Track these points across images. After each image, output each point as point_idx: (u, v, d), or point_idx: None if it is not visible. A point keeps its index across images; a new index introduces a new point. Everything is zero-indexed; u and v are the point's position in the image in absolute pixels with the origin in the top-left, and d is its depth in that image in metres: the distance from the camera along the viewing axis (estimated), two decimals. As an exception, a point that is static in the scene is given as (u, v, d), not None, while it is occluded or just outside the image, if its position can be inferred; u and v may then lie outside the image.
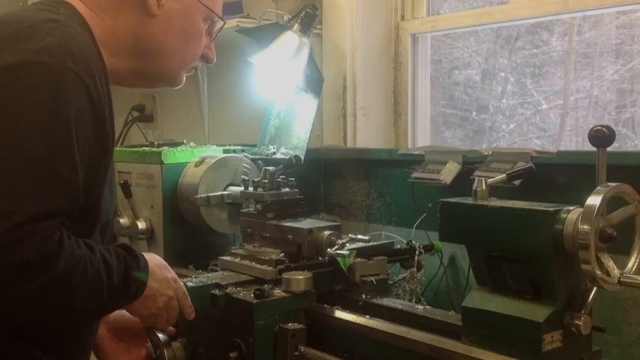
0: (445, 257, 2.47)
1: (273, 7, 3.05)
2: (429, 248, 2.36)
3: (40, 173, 1.31)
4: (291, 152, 2.62)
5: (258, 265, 2.19)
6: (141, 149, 2.67)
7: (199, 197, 2.46)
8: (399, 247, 2.34)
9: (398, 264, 2.33)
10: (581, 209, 1.49)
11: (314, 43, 2.87)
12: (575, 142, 3.41)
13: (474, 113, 3.67)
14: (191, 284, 1.97)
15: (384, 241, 2.38)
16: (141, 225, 2.56)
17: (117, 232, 2.61)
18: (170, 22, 1.59)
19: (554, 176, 2.21)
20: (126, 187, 2.60)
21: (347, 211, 2.95)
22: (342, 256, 2.10)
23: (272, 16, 2.87)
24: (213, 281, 2.07)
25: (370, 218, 2.86)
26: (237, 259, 2.28)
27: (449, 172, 2.44)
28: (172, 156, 2.57)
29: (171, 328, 1.92)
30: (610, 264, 1.49)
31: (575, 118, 3.46)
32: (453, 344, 1.68)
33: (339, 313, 1.97)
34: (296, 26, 2.58)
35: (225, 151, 2.66)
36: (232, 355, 1.96)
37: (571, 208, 1.54)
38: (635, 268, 1.54)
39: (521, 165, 2.04)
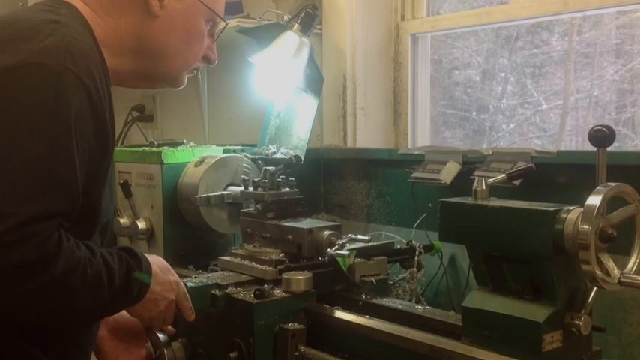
0: (445, 257, 2.47)
1: (273, 7, 3.05)
2: (429, 248, 2.36)
3: (40, 174, 1.31)
4: (291, 152, 2.62)
5: (258, 265, 2.19)
6: (141, 149, 2.67)
7: (199, 197, 2.46)
8: (399, 247, 2.34)
9: (398, 264, 2.33)
10: (581, 209, 1.49)
11: (314, 43, 2.87)
12: (575, 142, 3.41)
13: (474, 113, 3.67)
14: (191, 284, 1.97)
15: (384, 241, 2.38)
16: (141, 225, 2.56)
17: (117, 232, 2.61)
18: (172, 23, 1.59)
19: (554, 176, 2.21)
20: (126, 187, 2.60)
21: (347, 211, 2.95)
22: (342, 256, 2.10)
23: (272, 16, 2.87)
24: (213, 281, 2.07)
25: (370, 218, 2.86)
26: (237, 259, 2.28)
27: (449, 172, 2.44)
28: (172, 156, 2.57)
29: (171, 328, 1.92)
30: (610, 264, 1.49)
31: (575, 118, 3.46)
32: (453, 344, 1.68)
33: (339, 313, 1.97)
34: (296, 26, 2.58)
35: (225, 151, 2.66)
36: (232, 355, 1.96)
37: (571, 208, 1.55)
38: (635, 268, 1.54)
39: (521, 165, 2.04)
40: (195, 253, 2.57)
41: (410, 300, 2.26)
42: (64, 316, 1.40)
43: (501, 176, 1.82)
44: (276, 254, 2.21)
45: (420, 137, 3.06)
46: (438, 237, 1.86)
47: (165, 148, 2.63)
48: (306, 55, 2.58)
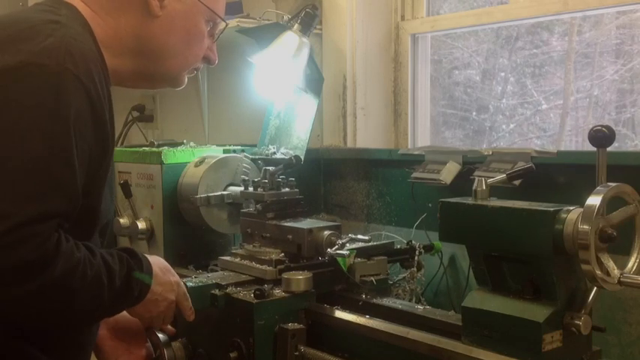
0: (445, 257, 2.47)
1: (273, 7, 3.05)
2: (429, 248, 2.36)
3: (39, 174, 1.30)
4: (291, 152, 2.62)
5: (258, 265, 2.19)
6: (141, 149, 2.67)
7: (199, 197, 2.46)
8: (399, 247, 2.34)
9: (398, 264, 2.33)
10: (581, 209, 1.49)
11: (314, 43, 2.87)
12: (575, 142, 3.41)
13: (474, 113, 3.67)
14: (191, 284, 1.97)
15: (384, 241, 2.38)
16: (141, 225, 2.56)
17: (117, 232, 2.61)
18: (172, 23, 1.59)
19: (554, 176, 2.21)
20: (126, 187, 2.60)
21: (347, 211, 2.95)
22: (342, 256, 2.10)
23: (272, 16, 2.87)
24: (213, 281, 2.07)
25: (370, 218, 2.86)
26: (237, 259, 2.28)
27: (449, 172, 2.44)
28: (172, 156, 2.57)
29: (171, 328, 1.92)
30: (610, 264, 1.49)
31: (575, 118, 3.46)
32: (453, 344, 1.68)
33: (339, 313, 1.97)
34: (296, 26, 2.58)
35: (225, 151, 2.66)
36: (232, 355, 1.96)
37: (571, 208, 1.55)
38: (635, 268, 1.54)
39: (521, 165, 2.04)
40: (195, 253, 2.57)
41: (410, 300, 2.26)
42: (64, 317, 1.40)
43: (501, 176, 1.82)
44: (276, 254, 2.21)
45: (420, 137, 3.06)
46: (438, 237, 1.86)
47: (165, 148, 2.63)
48: (306, 55, 2.58)
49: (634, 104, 3.23)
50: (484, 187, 1.72)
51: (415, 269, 2.29)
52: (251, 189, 2.39)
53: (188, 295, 1.82)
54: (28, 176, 1.29)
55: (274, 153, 2.69)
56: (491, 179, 1.75)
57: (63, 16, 1.45)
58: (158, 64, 1.62)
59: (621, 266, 1.52)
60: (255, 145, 2.83)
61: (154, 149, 2.62)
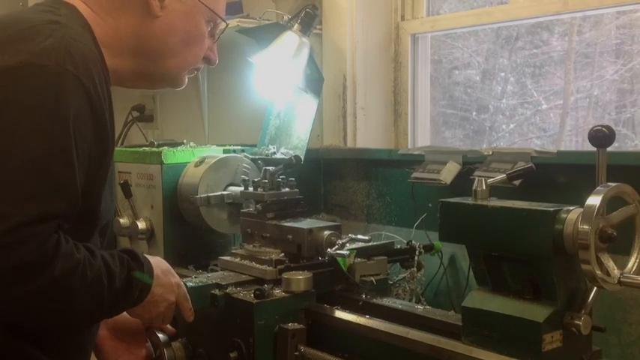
0: (445, 257, 2.47)
1: (273, 7, 3.05)
2: (429, 248, 2.36)
3: (39, 175, 1.30)
4: (291, 152, 2.62)
5: (258, 265, 2.19)
6: (141, 149, 2.67)
7: (199, 197, 2.46)
8: (399, 247, 2.34)
9: (398, 264, 2.33)
10: (581, 209, 1.49)
11: (314, 43, 2.87)
12: (575, 142, 3.41)
13: (474, 113, 3.67)
14: (191, 284, 1.97)
15: (384, 241, 2.38)
16: (141, 225, 2.56)
17: (117, 232, 2.61)
18: (172, 24, 1.59)
19: (554, 176, 2.21)
20: (126, 187, 2.60)
21: (347, 211, 2.95)
22: (342, 256, 2.10)
23: (272, 16, 2.87)
24: (213, 281, 2.07)
25: (370, 218, 2.86)
26: (237, 259, 2.28)
27: (449, 172, 2.44)
28: (172, 156, 2.57)
29: (171, 328, 1.92)
30: (610, 264, 1.49)
31: (575, 118, 3.46)
32: (453, 344, 1.68)
33: (339, 313, 1.97)
34: (296, 26, 2.58)
35: (225, 151, 2.66)
36: (232, 355, 1.96)
37: (571, 208, 1.55)
38: (635, 268, 1.54)
39: (521, 165, 2.05)
40: (195, 253, 2.57)
41: (410, 300, 2.26)
42: (64, 317, 1.40)
43: (501, 176, 1.82)
44: (276, 254, 2.21)
45: (420, 137, 3.06)
46: (438, 237, 1.86)
47: (165, 148, 2.63)
48: (306, 55, 2.58)
49: (634, 104, 3.23)
50: (484, 187, 1.72)
51: (415, 269, 2.29)
52: (251, 189, 2.39)
53: (188, 296, 1.82)
54: (28, 176, 1.29)
55: (274, 153, 2.69)
56: (491, 179, 1.75)
57: (63, 16, 1.45)
58: (158, 64, 1.62)
59: (621, 266, 1.52)
60: (255, 145, 2.83)
61: (154, 149, 2.62)
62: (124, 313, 1.69)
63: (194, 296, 1.86)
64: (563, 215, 1.53)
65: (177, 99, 3.74)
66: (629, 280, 1.49)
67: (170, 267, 1.74)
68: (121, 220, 2.60)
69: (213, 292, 2.02)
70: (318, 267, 2.15)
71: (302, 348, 1.92)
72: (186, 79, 1.72)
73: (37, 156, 1.30)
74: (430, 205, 2.49)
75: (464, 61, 3.63)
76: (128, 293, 1.51)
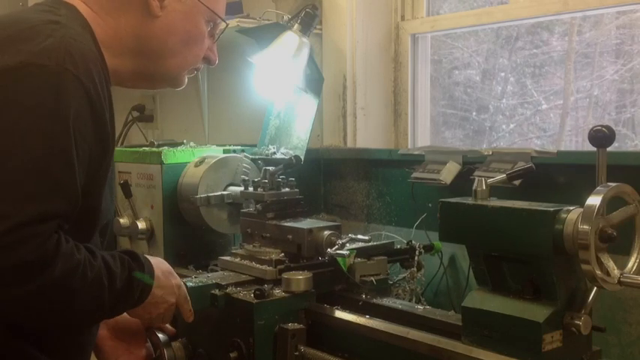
0: (445, 257, 2.47)
1: (273, 7, 3.05)
2: (429, 248, 2.36)
3: (39, 175, 1.30)
4: (291, 152, 2.62)
5: (258, 265, 2.19)
6: (141, 149, 2.67)
7: (199, 197, 2.46)
8: (399, 247, 2.34)
9: (398, 264, 2.33)
10: (581, 209, 1.49)
11: (314, 43, 2.87)
12: (575, 142, 3.41)
13: (474, 113, 3.67)
14: (191, 284, 1.97)
15: (384, 241, 2.38)
16: (141, 225, 2.56)
17: (117, 232, 2.61)
18: (172, 24, 1.59)
19: (554, 176, 2.21)
20: (126, 187, 2.60)
21: (347, 211, 2.95)
22: (342, 256, 2.10)
23: (272, 16, 2.87)
24: (213, 281, 2.07)
25: (370, 218, 2.86)
26: (237, 259, 2.28)
27: (449, 172, 2.44)
28: (172, 156, 2.57)
29: (171, 328, 1.92)
30: (610, 264, 1.49)
31: (575, 118, 3.46)
32: (452, 344, 1.68)
33: (339, 313, 1.97)
34: (296, 26, 2.58)
35: (225, 151, 2.66)
36: (232, 355, 1.96)
37: (571, 208, 1.55)
38: (635, 268, 1.54)
39: (521, 165, 2.05)
40: (195, 253, 2.57)
41: (410, 300, 2.26)
42: (64, 318, 1.40)
43: (501, 176, 1.82)
44: (276, 254, 2.21)
45: (420, 137, 3.06)
46: (438, 237, 1.86)
47: (165, 148, 2.63)
48: (306, 55, 2.58)
49: (634, 104, 3.23)
50: (484, 187, 1.72)
51: (415, 269, 2.29)
52: (251, 189, 2.39)
53: (188, 297, 1.82)
54: (28, 176, 1.29)
55: (274, 153, 2.69)
56: (491, 179, 1.75)
57: (63, 16, 1.45)
58: (158, 64, 1.62)
59: (621, 266, 1.52)
60: (255, 145, 2.83)
61: (154, 149, 2.62)
62: (125, 313, 1.69)
63: (194, 296, 1.86)
64: (563, 215, 1.53)
65: (177, 99, 3.74)
66: (629, 280, 1.49)
67: (171, 268, 1.73)
68: (121, 220, 2.60)
69: (213, 292, 2.02)
70: (318, 267, 2.15)
71: (302, 348, 1.92)
72: (186, 79, 1.72)
73: (37, 156, 1.30)
74: (430, 205, 2.49)
75: (464, 61, 3.63)
76: (129, 294, 1.51)
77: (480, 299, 1.68)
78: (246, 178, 2.50)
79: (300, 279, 2.03)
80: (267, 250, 2.25)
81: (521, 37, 3.46)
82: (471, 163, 2.41)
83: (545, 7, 2.59)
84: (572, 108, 3.45)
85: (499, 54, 3.63)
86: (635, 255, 1.56)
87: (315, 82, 2.70)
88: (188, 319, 1.83)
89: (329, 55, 3.04)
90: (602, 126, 1.57)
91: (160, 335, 1.90)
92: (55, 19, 1.43)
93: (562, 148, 2.99)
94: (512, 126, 3.65)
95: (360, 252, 2.17)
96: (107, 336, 1.81)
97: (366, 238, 2.21)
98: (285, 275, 2.06)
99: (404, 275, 2.31)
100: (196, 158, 2.59)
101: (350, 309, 2.01)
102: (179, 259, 2.52)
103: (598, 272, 1.47)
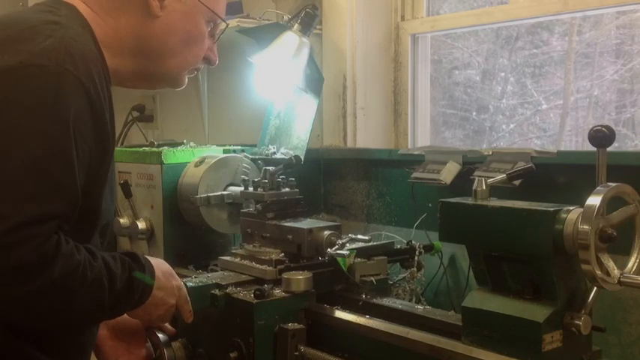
0: (445, 257, 2.47)
1: (273, 7, 3.05)
2: (429, 248, 2.36)
3: (39, 175, 1.30)
4: (291, 152, 2.62)
5: (258, 265, 2.19)
6: (141, 149, 2.67)
7: (199, 197, 2.46)
8: (399, 247, 2.34)
9: (398, 264, 2.33)
10: (581, 209, 1.49)
11: (314, 43, 2.87)
12: (575, 142, 3.41)
13: (474, 113, 3.67)
14: (191, 284, 1.97)
15: (384, 241, 2.38)
16: (141, 225, 2.56)
17: (117, 232, 2.61)
18: (172, 24, 1.59)
19: (554, 176, 2.21)
20: (126, 187, 2.60)
21: (347, 211, 2.95)
22: (342, 256, 2.10)
23: (272, 16, 2.87)
24: (213, 281, 2.07)
25: (370, 218, 2.86)
26: (237, 259, 2.28)
27: (449, 172, 2.44)
28: (172, 156, 2.57)
29: (171, 328, 1.92)
30: (610, 264, 1.49)
31: (575, 118, 3.47)
32: (453, 344, 1.68)
33: (339, 313, 1.97)
34: (296, 26, 2.58)
35: (225, 151, 2.66)
36: (232, 355, 1.96)
37: (571, 208, 1.55)
38: (635, 268, 1.54)
39: (521, 165, 2.05)
40: (195, 253, 2.57)
41: (410, 300, 2.26)
42: (64, 318, 1.40)
43: (501, 176, 1.82)
44: (276, 254, 2.21)
45: (420, 137, 3.06)
46: (438, 237, 1.86)
47: (165, 148, 2.63)
48: (306, 55, 2.58)
49: (634, 104, 3.23)
50: (484, 187, 1.71)
51: (415, 269, 2.29)
52: (251, 189, 2.39)
53: (188, 298, 1.82)
54: (27, 177, 1.29)
55: (274, 153, 2.69)
56: (491, 179, 1.75)
57: (63, 16, 1.45)
58: (158, 64, 1.62)
59: (621, 266, 1.52)
60: (255, 145, 2.83)
61: (154, 149, 2.62)
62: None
63: (194, 296, 1.86)
64: (563, 215, 1.53)
65: (177, 99, 3.74)
66: (629, 280, 1.49)
67: (171, 269, 1.73)
68: (121, 220, 2.60)
69: (213, 292, 2.02)
70: (318, 267, 2.15)
71: (302, 348, 1.92)
72: (186, 79, 1.72)
73: (37, 156, 1.30)
74: (430, 205, 2.49)
75: (464, 61, 3.63)
76: (129, 295, 1.51)
77: (480, 299, 1.68)
78: (246, 178, 2.50)
79: (300, 279, 2.03)
80: (267, 250, 2.25)
81: (521, 37, 3.47)
82: (471, 163, 2.41)
83: (545, 7, 2.59)
84: (572, 108, 3.45)
85: (499, 54, 3.63)
86: (635, 255, 1.56)
87: (315, 82, 2.70)
88: (188, 320, 1.83)
89: (329, 55, 3.04)
90: (602, 126, 1.57)
91: (160, 335, 1.90)
92: (55, 20, 1.43)
93: (562, 148, 2.99)
94: (512, 126, 3.65)
95: (360, 252, 2.16)
96: (107, 336, 1.81)
97: (366, 238, 2.21)
98: (285, 275, 2.06)
99: (404, 275, 2.31)
100: (196, 158, 2.59)
101: (350, 309, 2.00)
102: (179, 259, 2.52)
103: (598, 272, 1.47)
